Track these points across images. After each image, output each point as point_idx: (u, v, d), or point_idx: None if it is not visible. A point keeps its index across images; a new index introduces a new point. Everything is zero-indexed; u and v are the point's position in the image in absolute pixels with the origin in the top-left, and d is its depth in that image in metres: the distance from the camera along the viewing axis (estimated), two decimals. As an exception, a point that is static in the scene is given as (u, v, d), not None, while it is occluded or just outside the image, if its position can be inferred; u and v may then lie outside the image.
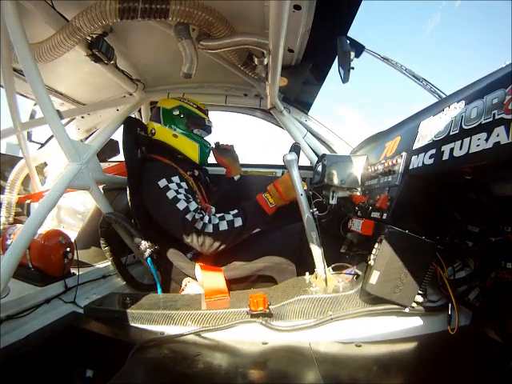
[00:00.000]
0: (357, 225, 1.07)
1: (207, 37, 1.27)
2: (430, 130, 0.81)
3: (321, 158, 1.42)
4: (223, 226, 1.18)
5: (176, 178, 1.28)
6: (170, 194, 1.22)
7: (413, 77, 1.42)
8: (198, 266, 1.24)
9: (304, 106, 1.93)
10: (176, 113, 1.45)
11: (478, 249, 0.82)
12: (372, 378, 0.71)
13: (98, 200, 1.43)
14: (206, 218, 1.19)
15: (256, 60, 1.35)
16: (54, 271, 1.22)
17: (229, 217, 1.21)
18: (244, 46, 1.26)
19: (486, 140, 0.59)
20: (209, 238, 1.16)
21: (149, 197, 1.29)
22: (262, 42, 1.18)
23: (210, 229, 1.17)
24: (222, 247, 1.20)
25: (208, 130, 1.56)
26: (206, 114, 1.56)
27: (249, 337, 0.90)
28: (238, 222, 1.20)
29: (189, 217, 1.17)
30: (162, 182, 1.24)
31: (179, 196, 1.22)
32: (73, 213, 2.25)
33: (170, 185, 1.24)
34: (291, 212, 1.18)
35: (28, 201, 2.16)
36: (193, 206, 1.21)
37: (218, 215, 1.22)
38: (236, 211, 1.23)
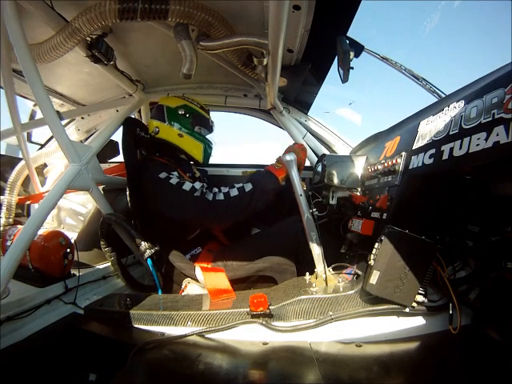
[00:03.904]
0: (357, 225, 1.07)
1: (207, 37, 1.27)
2: (430, 129, 0.81)
3: (321, 158, 1.42)
4: (234, 192, 1.19)
5: (175, 173, 1.29)
6: (174, 181, 1.23)
7: (412, 76, 1.43)
8: (198, 267, 1.24)
9: (304, 106, 1.93)
10: (181, 112, 1.45)
11: (478, 248, 0.82)
12: (373, 378, 0.71)
13: (98, 201, 1.43)
14: (215, 189, 1.21)
15: (255, 60, 1.35)
16: (54, 272, 1.22)
17: (239, 185, 1.22)
18: (243, 47, 1.26)
19: (486, 139, 0.59)
20: (221, 206, 1.16)
21: (151, 190, 1.28)
22: (261, 42, 1.18)
23: (221, 197, 1.18)
24: (238, 214, 1.19)
25: (211, 129, 1.57)
26: (209, 114, 1.57)
27: (249, 337, 0.90)
28: (248, 187, 1.20)
29: (197, 193, 1.19)
30: (163, 174, 1.26)
31: (182, 181, 1.24)
32: (73, 214, 2.25)
33: (171, 176, 1.25)
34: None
35: (28, 202, 2.16)
36: (198, 184, 1.23)
37: (228, 186, 1.23)
38: (245, 180, 1.24)
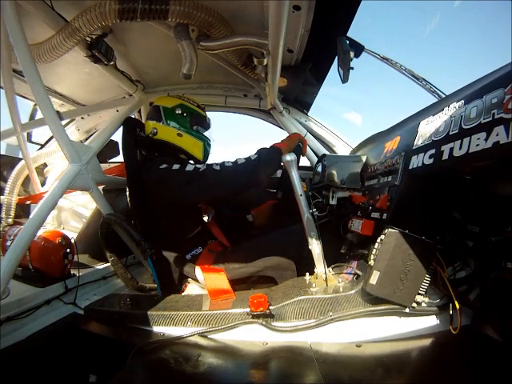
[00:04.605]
0: (357, 225, 1.07)
1: (207, 37, 1.27)
2: (430, 129, 0.81)
3: (321, 158, 1.42)
4: (241, 160, 1.24)
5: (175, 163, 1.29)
6: (175, 167, 1.24)
7: (412, 77, 1.43)
8: (198, 268, 1.24)
9: (304, 106, 1.93)
10: (178, 111, 1.45)
11: (478, 249, 0.82)
12: (373, 379, 0.71)
13: (98, 201, 1.42)
14: (222, 161, 1.25)
15: (255, 60, 1.35)
16: (54, 272, 1.22)
17: (245, 156, 1.26)
18: (243, 47, 1.26)
19: (486, 140, 0.59)
20: (230, 173, 1.21)
21: (154, 183, 1.27)
22: (261, 42, 1.18)
23: (229, 163, 1.22)
24: (246, 179, 1.22)
25: (208, 126, 1.57)
26: (205, 112, 1.58)
27: (249, 337, 0.90)
28: (254, 156, 1.25)
29: (202, 168, 1.22)
30: (164, 165, 1.26)
31: (184, 165, 1.25)
32: (76, 216, 2.24)
33: (172, 165, 1.26)
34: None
35: (28, 202, 2.16)
36: (200, 164, 1.26)
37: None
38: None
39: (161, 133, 1.44)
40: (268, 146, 1.30)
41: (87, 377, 0.97)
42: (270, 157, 1.25)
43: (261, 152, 1.27)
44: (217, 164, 1.23)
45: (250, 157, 1.25)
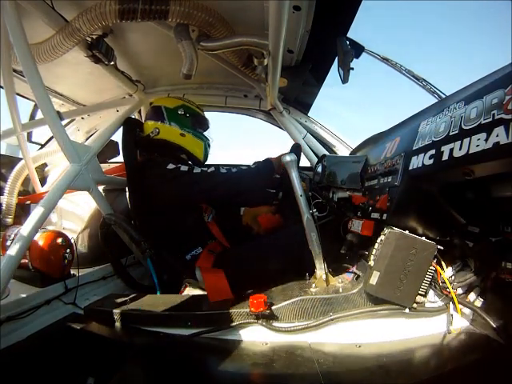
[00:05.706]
0: (357, 225, 1.08)
1: (207, 38, 1.27)
2: (430, 130, 0.81)
3: (321, 158, 1.43)
4: (244, 167, 1.39)
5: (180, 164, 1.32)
6: (184, 168, 1.28)
7: (412, 77, 1.43)
8: (197, 268, 1.24)
9: (304, 106, 1.93)
10: (181, 112, 1.46)
11: (478, 249, 0.82)
12: (373, 379, 0.71)
13: (98, 201, 1.43)
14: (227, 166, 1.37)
15: (256, 61, 1.35)
16: (54, 272, 1.22)
17: (245, 164, 1.44)
18: (244, 47, 1.26)
19: (486, 140, 0.59)
20: (234, 177, 1.32)
21: (161, 182, 1.28)
22: (261, 42, 1.18)
23: (234, 170, 1.35)
24: (246, 184, 1.34)
25: (207, 128, 1.59)
26: (203, 112, 1.60)
27: (249, 338, 0.90)
28: (253, 166, 1.40)
29: (210, 170, 1.30)
30: (171, 165, 1.29)
31: (191, 167, 1.30)
32: (77, 216, 2.23)
33: (179, 165, 1.29)
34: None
35: (28, 202, 2.15)
36: (205, 167, 1.34)
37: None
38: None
39: (163, 133, 1.44)
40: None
41: (86, 378, 0.97)
42: (265, 165, 1.39)
43: (258, 163, 1.41)
44: (223, 167, 1.32)
45: (249, 166, 1.39)
